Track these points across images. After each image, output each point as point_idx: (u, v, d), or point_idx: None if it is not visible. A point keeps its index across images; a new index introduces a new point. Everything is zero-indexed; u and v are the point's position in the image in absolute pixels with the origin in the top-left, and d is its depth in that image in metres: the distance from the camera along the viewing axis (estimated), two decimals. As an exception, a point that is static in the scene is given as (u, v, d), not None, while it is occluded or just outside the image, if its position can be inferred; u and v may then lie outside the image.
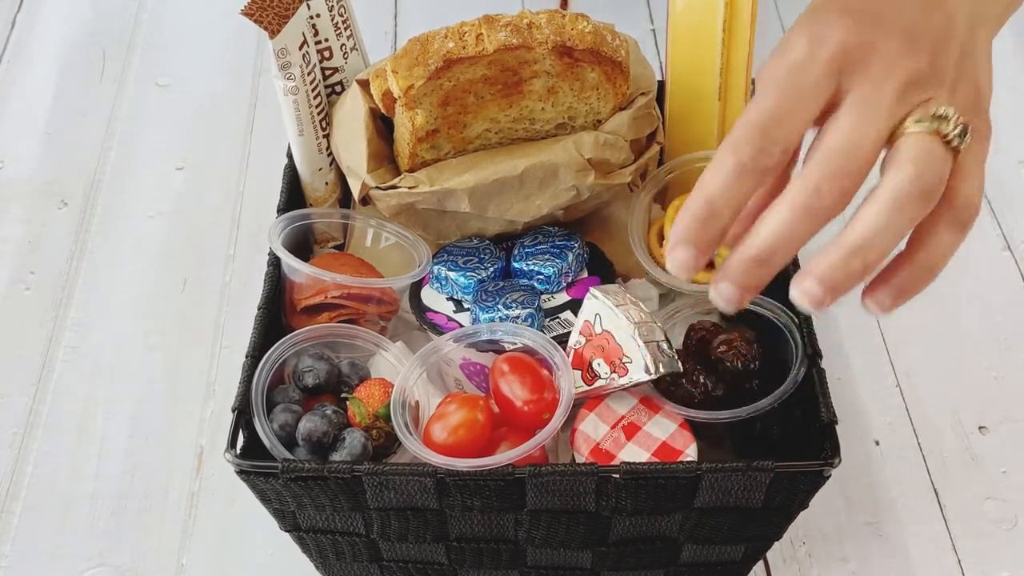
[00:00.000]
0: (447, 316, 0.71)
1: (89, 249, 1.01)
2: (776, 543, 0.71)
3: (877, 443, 0.84)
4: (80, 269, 0.99)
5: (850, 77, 0.45)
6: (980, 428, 0.85)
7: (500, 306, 0.68)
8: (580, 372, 0.64)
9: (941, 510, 0.80)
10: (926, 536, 0.79)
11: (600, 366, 0.63)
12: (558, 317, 0.70)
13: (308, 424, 0.63)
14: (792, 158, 0.47)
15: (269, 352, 0.66)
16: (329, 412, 0.64)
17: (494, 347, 0.66)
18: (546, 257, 0.70)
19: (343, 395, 0.68)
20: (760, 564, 0.77)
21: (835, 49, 0.45)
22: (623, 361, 0.62)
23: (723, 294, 0.45)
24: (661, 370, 0.61)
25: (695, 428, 0.63)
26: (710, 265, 0.71)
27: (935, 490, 0.81)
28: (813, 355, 0.62)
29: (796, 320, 0.64)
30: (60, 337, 0.94)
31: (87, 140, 1.09)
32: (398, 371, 0.66)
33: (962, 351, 0.90)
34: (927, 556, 0.78)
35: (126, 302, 0.96)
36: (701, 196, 0.45)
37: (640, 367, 0.61)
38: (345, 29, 0.77)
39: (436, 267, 0.71)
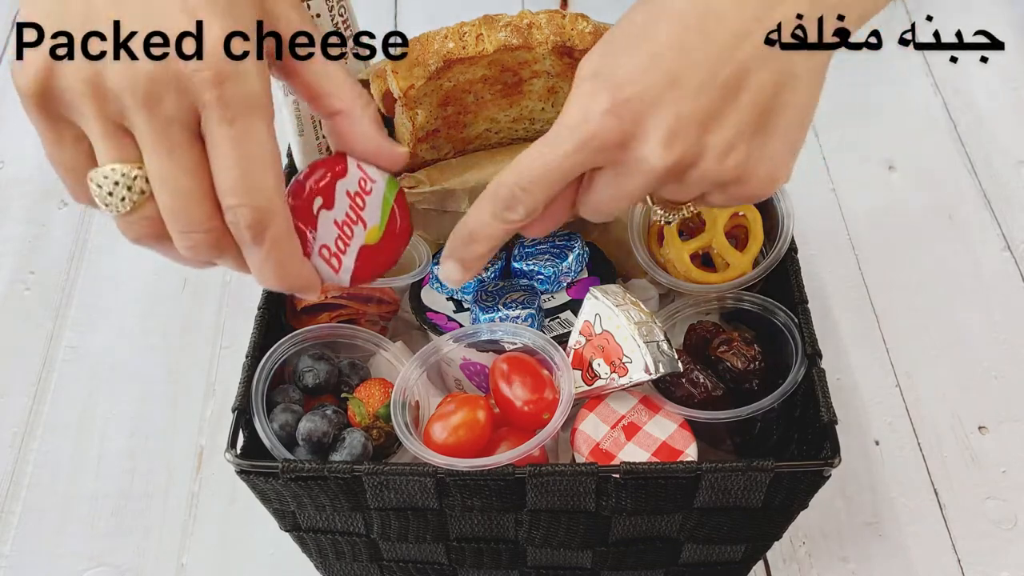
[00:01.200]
0: (447, 316, 0.71)
1: (89, 249, 1.01)
2: (776, 543, 0.71)
3: (877, 443, 0.84)
4: (80, 269, 0.99)
5: (609, 158, 0.49)
6: (980, 428, 0.85)
7: (500, 306, 0.68)
8: (580, 372, 0.64)
9: (941, 510, 0.80)
10: (926, 536, 0.79)
11: (600, 366, 0.63)
12: (558, 317, 0.70)
13: (308, 424, 0.63)
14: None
15: (269, 352, 0.65)
16: (329, 412, 0.64)
17: (494, 347, 0.66)
18: (546, 257, 0.71)
19: (343, 395, 0.68)
20: (760, 564, 0.77)
21: (600, 139, 0.48)
22: (623, 361, 0.62)
23: (444, 268, 0.54)
24: (661, 370, 0.61)
25: (695, 428, 0.63)
26: (709, 265, 0.71)
27: (935, 490, 0.81)
28: (813, 355, 0.62)
29: (796, 320, 0.64)
30: (60, 337, 0.94)
31: (87, 140, 1.09)
32: (398, 371, 0.66)
33: (962, 351, 0.90)
34: (927, 556, 0.78)
35: (126, 302, 0.96)
36: (466, 224, 0.53)
37: (640, 367, 0.61)
38: (345, 29, 0.77)
39: (436, 267, 0.71)
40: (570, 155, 0.49)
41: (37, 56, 0.45)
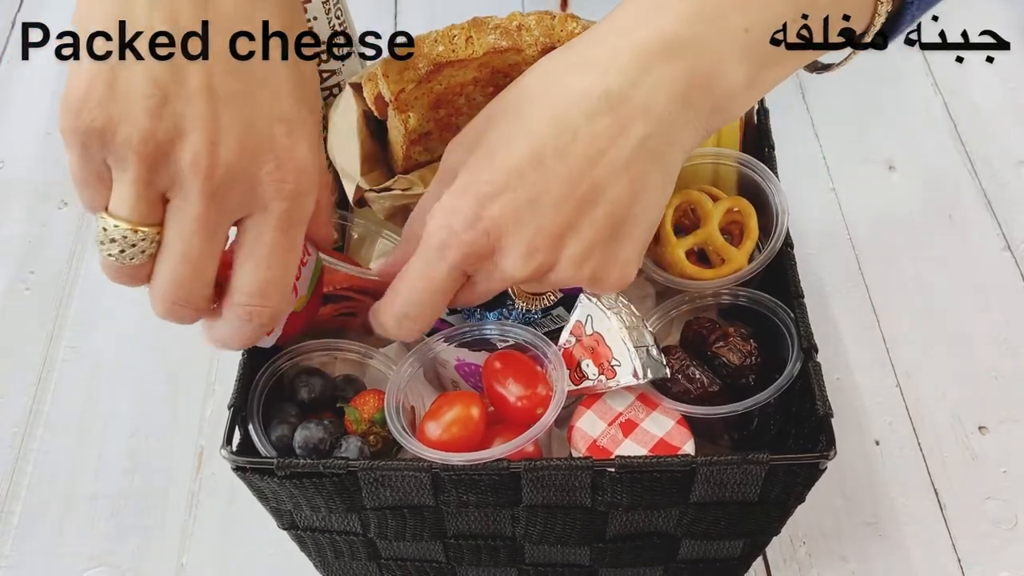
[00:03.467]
0: (440, 318, 0.70)
1: (89, 249, 1.01)
2: (776, 543, 0.71)
3: (877, 443, 0.84)
4: (80, 269, 0.99)
5: (475, 267, 0.53)
6: (980, 428, 0.85)
7: (503, 297, 0.68)
8: (568, 372, 0.64)
9: (941, 510, 0.80)
10: (926, 536, 0.78)
11: (589, 367, 0.63)
12: (550, 313, 0.69)
13: (304, 432, 0.63)
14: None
15: (263, 368, 0.65)
16: (325, 422, 0.64)
17: (486, 346, 0.66)
18: None
19: (339, 404, 0.67)
20: (760, 564, 0.77)
21: (468, 256, 0.52)
22: (612, 364, 0.62)
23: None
24: (649, 375, 0.61)
25: (692, 424, 0.63)
26: (705, 262, 0.71)
27: (935, 490, 0.81)
28: (809, 349, 0.62)
29: (792, 315, 0.64)
30: (60, 337, 0.94)
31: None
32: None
33: (962, 351, 0.90)
34: (927, 556, 0.77)
35: (126, 302, 0.96)
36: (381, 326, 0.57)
37: (628, 371, 0.61)
38: (341, 31, 0.77)
39: None
40: (445, 278, 0.52)
41: (106, 100, 0.45)
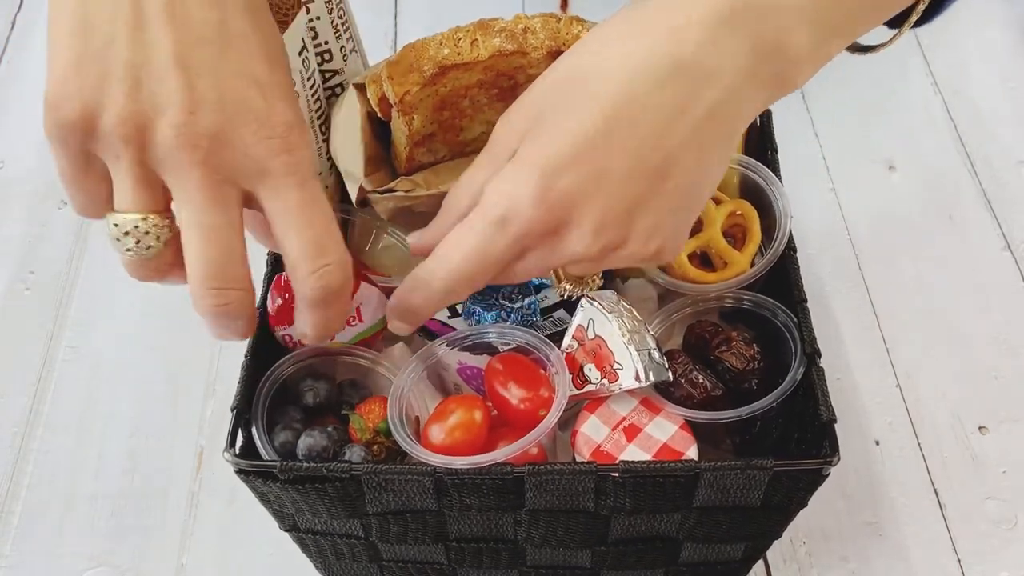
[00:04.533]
0: (441, 322, 0.70)
1: (89, 249, 1.01)
2: (776, 543, 0.71)
3: (877, 443, 0.84)
4: (80, 269, 0.99)
5: (538, 243, 0.51)
6: (980, 428, 0.85)
7: (501, 300, 0.68)
8: (571, 376, 0.64)
9: (941, 510, 0.80)
10: (926, 536, 0.79)
11: (591, 371, 0.63)
12: (551, 316, 0.70)
13: (308, 440, 0.63)
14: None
15: (268, 372, 0.65)
16: (329, 429, 0.64)
17: (488, 349, 0.66)
18: None
19: (343, 412, 0.67)
20: (760, 564, 0.77)
21: (531, 233, 0.50)
22: (614, 367, 0.62)
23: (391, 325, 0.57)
24: (651, 378, 0.61)
25: (695, 428, 0.63)
26: (708, 265, 0.71)
27: (935, 490, 0.81)
28: (812, 354, 0.62)
29: (795, 319, 0.64)
30: (60, 337, 0.94)
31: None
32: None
33: (962, 351, 0.90)
34: (927, 556, 0.78)
35: (126, 302, 0.96)
36: (408, 300, 0.55)
37: (631, 374, 0.61)
38: (344, 31, 0.77)
39: None
40: (504, 253, 0.51)
41: (82, 91, 0.45)
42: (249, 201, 0.48)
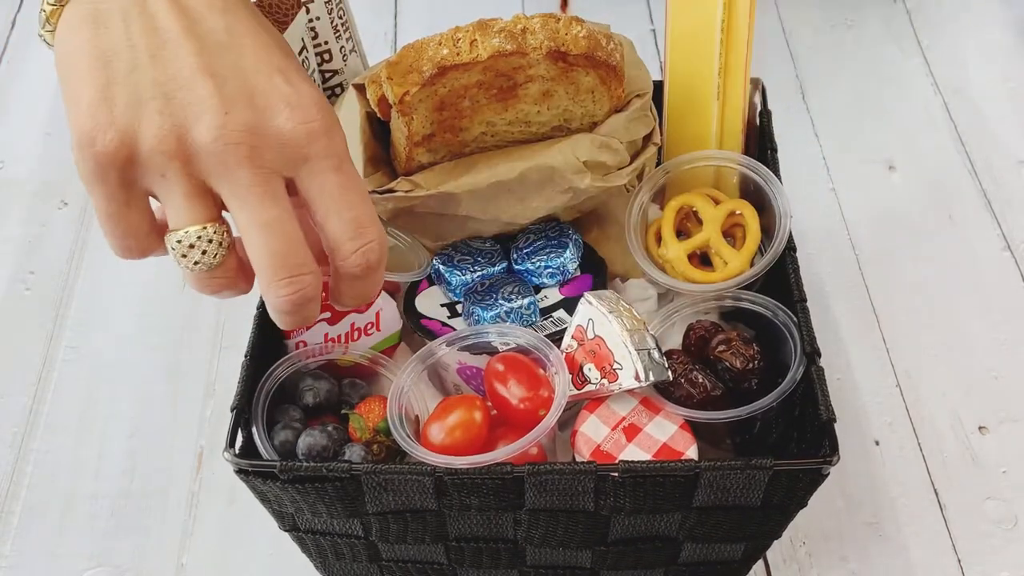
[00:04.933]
0: (441, 322, 0.70)
1: (89, 249, 1.01)
2: (776, 543, 0.71)
3: (877, 443, 0.84)
4: (80, 269, 0.99)
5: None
6: (980, 428, 0.85)
7: (500, 300, 0.68)
8: (570, 376, 0.64)
9: (941, 510, 0.80)
10: (926, 536, 0.79)
11: (591, 371, 0.63)
12: (551, 316, 0.70)
13: (308, 439, 0.63)
14: None
15: (269, 372, 0.65)
16: (329, 428, 0.64)
17: (488, 349, 0.66)
18: (548, 251, 0.71)
19: (343, 411, 0.67)
20: (760, 564, 0.77)
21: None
22: (614, 367, 0.62)
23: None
24: (651, 378, 0.61)
25: (695, 428, 0.63)
26: (707, 265, 0.71)
27: (935, 490, 0.81)
28: (812, 353, 0.62)
29: (795, 319, 0.64)
30: (60, 337, 0.94)
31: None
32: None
33: (962, 351, 0.90)
34: (927, 556, 0.78)
35: (126, 302, 0.97)
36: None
37: (630, 374, 0.61)
38: (344, 31, 0.77)
39: (434, 271, 0.72)
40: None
41: (115, 119, 0.45)
42: (288, 188, 0.49)
